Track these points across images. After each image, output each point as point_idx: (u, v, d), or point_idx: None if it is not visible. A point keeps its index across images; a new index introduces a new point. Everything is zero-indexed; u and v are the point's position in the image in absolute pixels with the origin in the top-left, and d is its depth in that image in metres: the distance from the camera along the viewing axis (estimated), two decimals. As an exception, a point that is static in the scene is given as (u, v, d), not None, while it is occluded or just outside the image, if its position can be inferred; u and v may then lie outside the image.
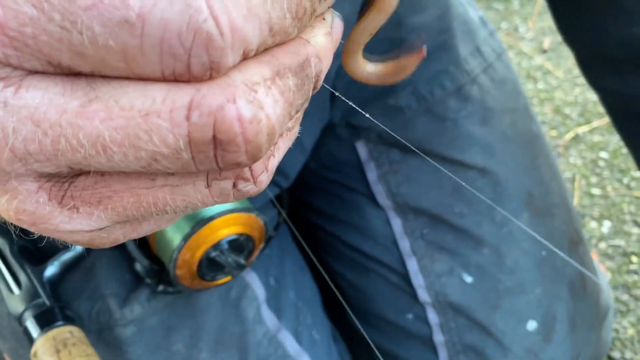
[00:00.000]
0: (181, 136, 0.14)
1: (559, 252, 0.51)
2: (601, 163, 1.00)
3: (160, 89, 0.14)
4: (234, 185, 0.17)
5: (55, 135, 0.15)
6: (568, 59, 1.24)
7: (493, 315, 0.51)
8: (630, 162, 0.98)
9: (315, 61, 0.17)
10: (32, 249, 0.46)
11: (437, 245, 0.53)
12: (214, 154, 0.15)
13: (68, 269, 0.45)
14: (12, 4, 0.14)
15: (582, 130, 1.07)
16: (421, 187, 0.54)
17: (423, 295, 0.53)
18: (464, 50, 0.55)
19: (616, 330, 0.79)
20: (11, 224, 0.18)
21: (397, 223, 0.55)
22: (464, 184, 0.51)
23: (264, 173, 0.17)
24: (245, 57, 0.15)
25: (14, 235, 0.21)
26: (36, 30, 0.14)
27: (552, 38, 1.30)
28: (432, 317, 0.53)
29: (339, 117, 0.57)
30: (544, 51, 1.29)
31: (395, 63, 0.22)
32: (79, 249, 0.45)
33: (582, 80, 1.19)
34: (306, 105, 0.18)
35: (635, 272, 0.84)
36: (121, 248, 0.46)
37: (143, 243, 0.44)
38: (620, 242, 0.88)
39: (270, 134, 0.15)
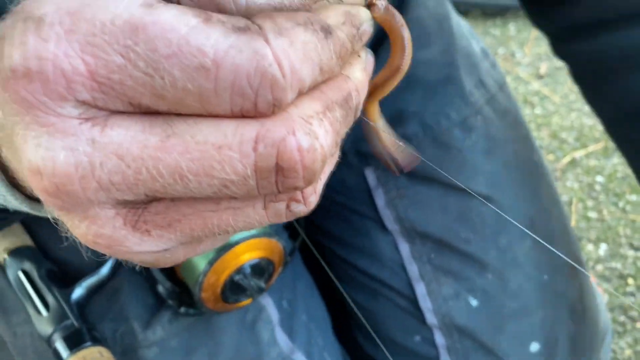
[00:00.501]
0: (249, 165, 0.17)
1: (557, 252, 0.54)
2: (597, 187, 1.03)
3: (230, 125, 0.17)
4: (287, 207, 0.20)
5: (137, 167, 0.17)
6: (564, 84, 1.27)
7: (498, 337, 0.53)
8: (625, 186, 1.01)
9: (355, 94, 0.20)
10: (59, 273, 0.48)
11: (444, 269, 0.55)
12: (275, 180, 0.17)
13: (94, 292, 0.47)
14: (102, 54, 0.16)
15: (578, 154, 1.10)
16: (428, 212, 0.56)
17: (431, 318, 0.55)
18: (468, 82, 0.58)
19: (614, 351, 0.81)
20: (82, 245, 0.21)
21: (404, 248, 0.57)
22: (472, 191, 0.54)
23: (313, 195, 0.20)
24: (299, 94, 0.17)
25: (84, 255, 0.23)
26: (122, 77, 0.16)
27: (549, 63, 1.34)
28: (439, 339, 0.55)
29: (349, 145, 0.59)
30: (541, 76, 1.32)
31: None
32: (104, 272, 0.47)
33: (578, 105, 1.22)
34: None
35: (632, 294, 0.86)
36: (144, 272, 0.48)
37: (165, 267, 0.46)
38: (616, 264, 0.91)
39: (323, 160, 0.18)
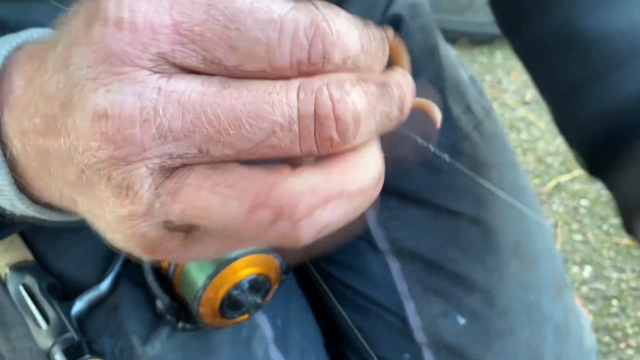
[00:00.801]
0: (293, 108, 0.20)
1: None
2: (582, 210, 1.06)
3: (277, 82, 0.20)
4: (273, 221, 0.20)
5: (196, 113, 0.20)
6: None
7: (485, 355, 0.55)
8: (609, 210, 1.04)
9: (395, 85, 0.22)
10: (60, 287, 0.49)
11: (433, 288, 0.57)
12: (315, 128, 0.20)
13: (94, 306, 0.48)
14: (187, 10, 0.19)
15: (563, 179, 1.13)
16: (418, 233, 0.59)
17: (420, 336, 0.57)
18: (456, 109, 0.61)
19: (599, 372, 0.82)
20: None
21: (395, 267, 0.59)
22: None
23: (305, 219, 0.20)
24: (342, 66, 0.21)
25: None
26: (203, 29, 0.19)
27: (534, 90, 1.38)
28: (428, 357, 0.57)
29: None
30: (527, 103, 1.36)
31: None
32: (103, 287, 0.48)
33: (562, 131, 1.26)
34: (389, 127, 0.23)
35: (616, 315, 0.89)
36: (143, 288, 0.49)
37: (164, 282, 0.48)
38: (601, 286, 0.93)
39: (355, 117, 0.20)
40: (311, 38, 0.20)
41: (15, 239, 0.50)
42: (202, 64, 0.20)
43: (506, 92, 1.40)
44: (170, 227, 0.22)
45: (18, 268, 0.48)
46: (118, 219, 0.22)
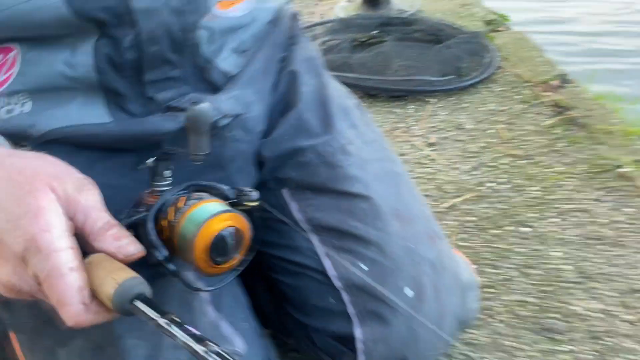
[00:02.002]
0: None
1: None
2: (469, 224, 1.35)
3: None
4: None
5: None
6: (449, 150, 1.62)
7: (383, 287, 0.71)
8: (490, 224, 1.33)
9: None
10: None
11: (343, 248, 0.73)
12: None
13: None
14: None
15: (456, 200, 1.42)
16: (328, 212, 0.75)
17: (337, 283, 0.73)
18: (342, 124, 0.78)
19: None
20: None
21: (315, 239, 0.75)
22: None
23: None
24: None
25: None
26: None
27: (437, 135, 1.70)
28: (345, 297, 0.73)
29: (267, 174, 0.77)
30: (431, 144, 1.67)
31: None
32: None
33: (458, 165, 1.57)
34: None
35: (490, 299, 1.15)
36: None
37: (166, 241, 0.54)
38: (481, 279, 1.18)
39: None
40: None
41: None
42: None
43: (415, 136, 1.71)
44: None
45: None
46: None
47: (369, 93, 1.90)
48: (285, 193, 0.77)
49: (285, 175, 0.77)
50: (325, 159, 0.76)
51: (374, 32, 2.19)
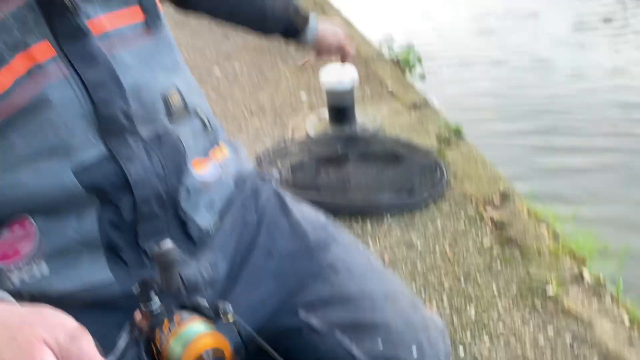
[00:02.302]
0: None
1: None
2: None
3: None
4: None
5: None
6: (399, 269, 1.83)
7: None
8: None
9: None
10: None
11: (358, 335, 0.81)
12: None
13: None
14: None
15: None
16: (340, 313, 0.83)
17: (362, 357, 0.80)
18: (308, 226, 0.91)
19: None
20: None
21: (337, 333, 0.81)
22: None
23: None
24: None
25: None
26: None
27: (390, 254, 1.91)
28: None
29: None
30: (384, 263, 1.88)
31: None
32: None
33: (408, 286, 1.77)
34: None
35: None
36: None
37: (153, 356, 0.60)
38: None
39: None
40: None
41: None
42: None
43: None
44: None
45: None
46: None
47: (331, 211, 2.11)
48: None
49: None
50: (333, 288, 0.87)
51: (339, 149, 2.44)
